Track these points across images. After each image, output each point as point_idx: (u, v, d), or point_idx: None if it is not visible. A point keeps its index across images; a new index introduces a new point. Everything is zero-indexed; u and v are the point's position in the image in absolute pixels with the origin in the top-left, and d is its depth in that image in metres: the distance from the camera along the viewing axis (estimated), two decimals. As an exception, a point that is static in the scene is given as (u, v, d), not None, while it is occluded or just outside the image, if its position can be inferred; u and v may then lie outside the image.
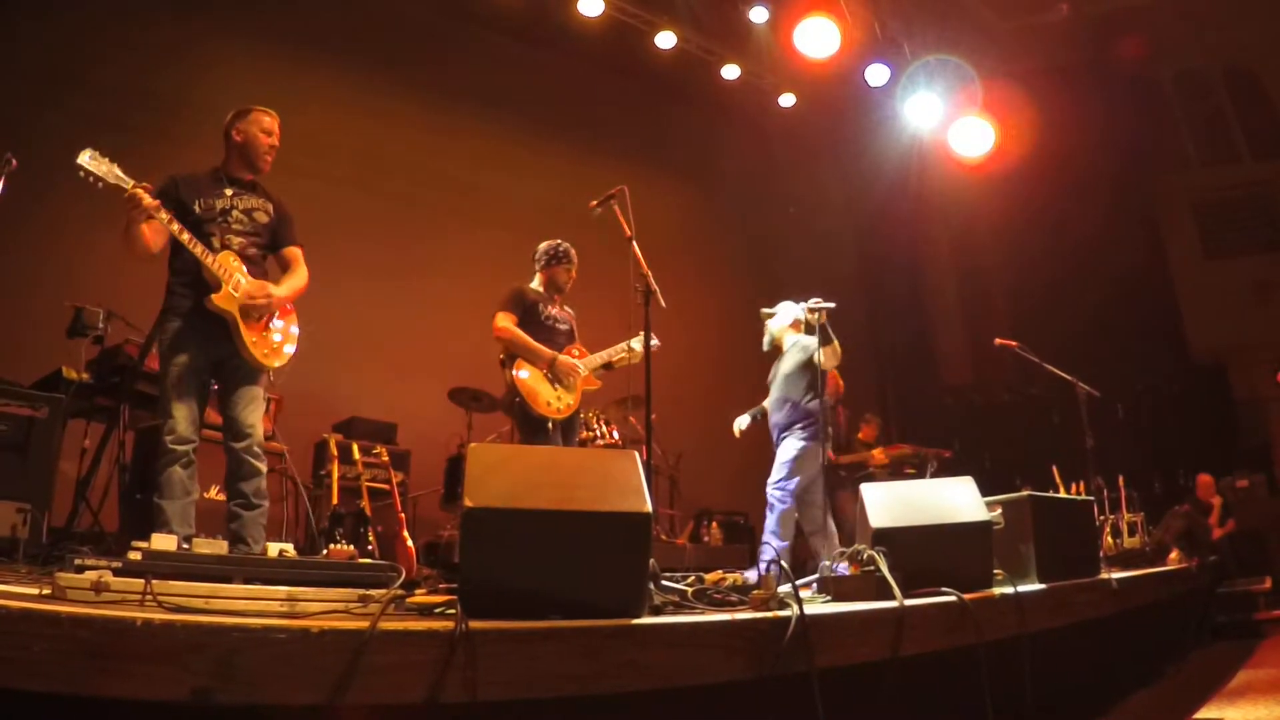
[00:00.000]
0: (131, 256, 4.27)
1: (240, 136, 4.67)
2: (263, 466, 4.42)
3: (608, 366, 6.25)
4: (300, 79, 9.95)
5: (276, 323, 4.58)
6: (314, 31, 10.15)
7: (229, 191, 4.56)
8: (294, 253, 4.75)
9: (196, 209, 4.43)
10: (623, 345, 6.19)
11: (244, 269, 4.43)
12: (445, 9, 11.12)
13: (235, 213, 4.53)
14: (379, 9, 10.72)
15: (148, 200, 4.10)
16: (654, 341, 6.07)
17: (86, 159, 4.06)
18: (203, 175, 4.61)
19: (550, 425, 5.89)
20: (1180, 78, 14.95)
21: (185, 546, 2.68)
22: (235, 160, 4.69)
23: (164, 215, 4.17)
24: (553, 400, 5.87)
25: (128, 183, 4.11)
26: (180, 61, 9.14)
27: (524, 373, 5.86)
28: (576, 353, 6.14)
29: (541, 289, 6.26)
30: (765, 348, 7.53)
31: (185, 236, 4.22)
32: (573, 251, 6.31)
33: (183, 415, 4.24)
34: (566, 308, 6.38)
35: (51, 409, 5.13)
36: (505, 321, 5.95)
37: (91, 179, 4.06)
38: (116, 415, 5.94)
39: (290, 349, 4.62)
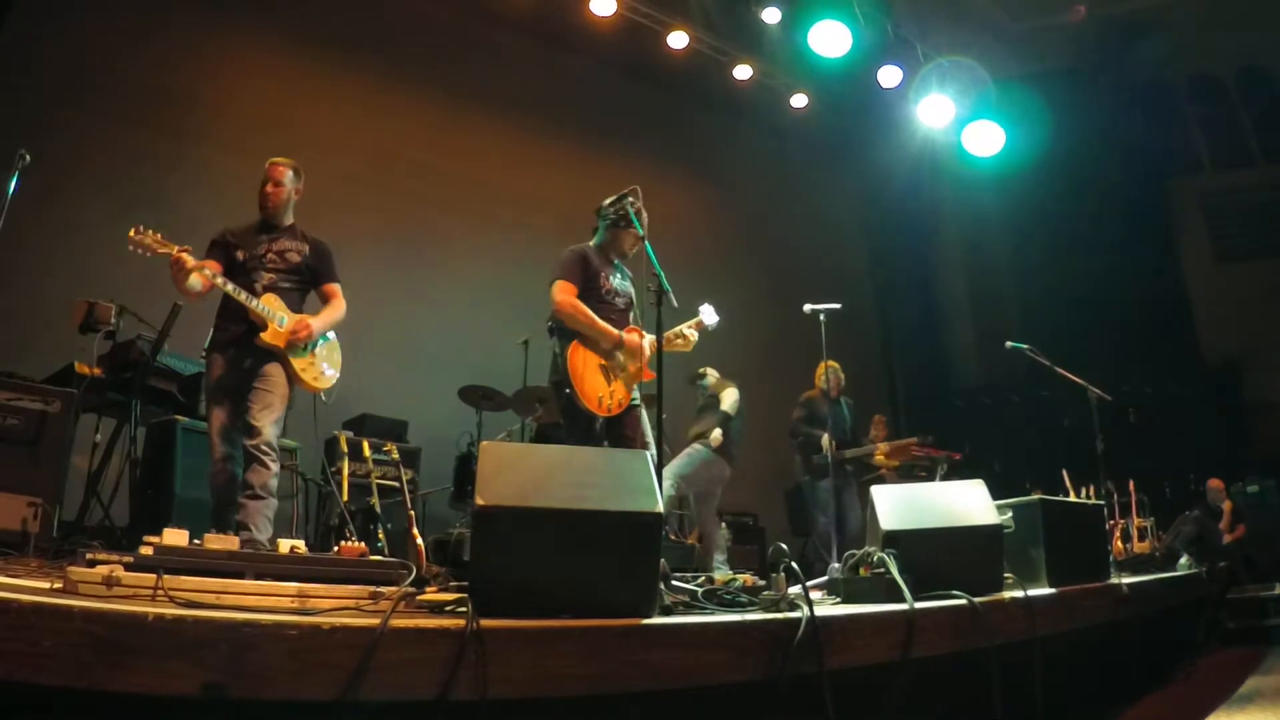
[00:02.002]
0: (187, 299, 5.02)
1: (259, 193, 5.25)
2: (271, 464, 4.74)
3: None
4: (312, 77, 9.99)
5: (320, 350, 5.17)
6: (326, 29, 10.16)
7: (265, 237, 5.14)
8: (332, 289, 5.29)
9: (240, 257, 5.04)
10: (678, 329, 5.52)
11: (284, 306, 4.99)
12: (457, 7, 11.13)
13: (270, 255, 5.08)
14: (392, 7, 10.73)
15: (190, 263, 4.68)
16: (710, 320, 5.87)
17: (133, 234, 4.64)
18: (250, 226, 5.20)
19: (597, 425, 5.11)
20: (1193, 80, 14.92)
21: (197, 542, 2.69)
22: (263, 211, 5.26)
23: (209, 271, 4.79)
24: (604, 396, 5.07)
25: (171, 249, 4.67)
26: (193, 59, 9.16)
27: (577, 359, 5.08)
28: (636, 336, 5.31)
29: (603, 253, 5.43)
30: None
31: (230, 288, 4.82)
32: (645, 215, 5.31)
33: (214, 429, 4.83)
34: (625, 278, 5.54)
35: (64, 404, 5.16)
36: (566, 294, 5.12)
37: (140, 250, 4.64)
38: (128, 410, 5.97)
39: (335, 372, 5.27)
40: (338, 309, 5.26)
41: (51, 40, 8.33)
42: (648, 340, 5.24)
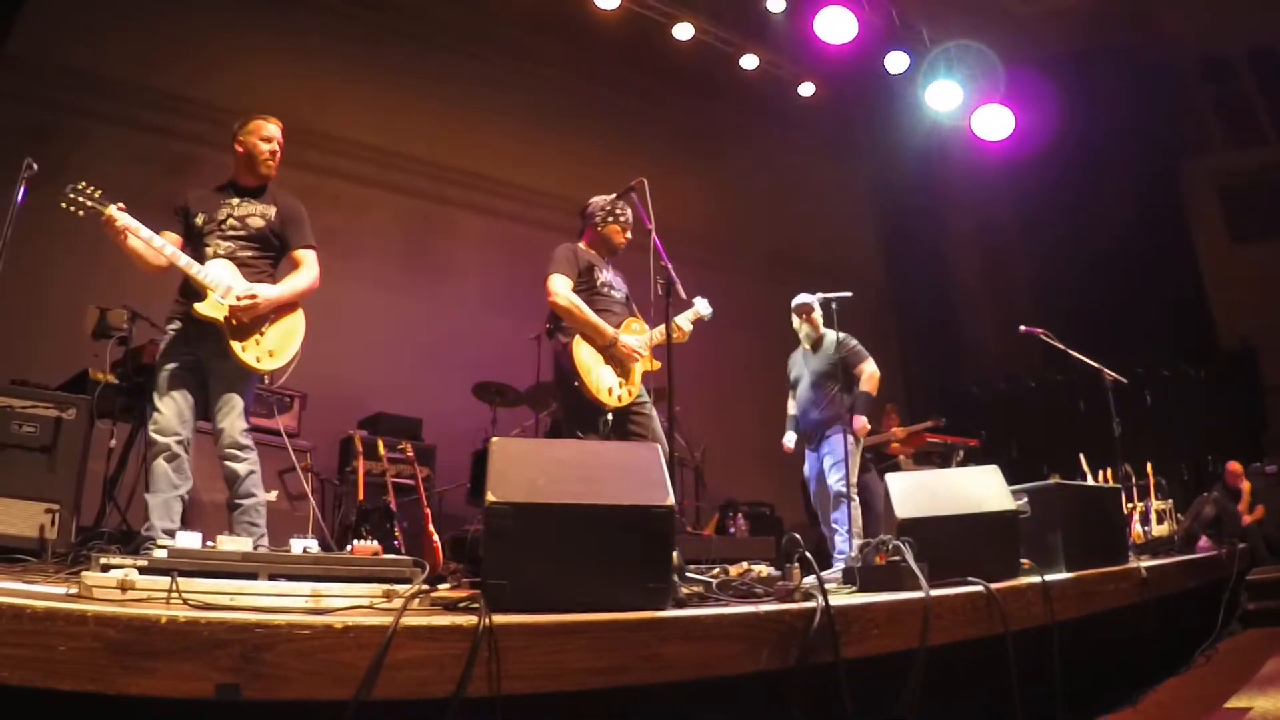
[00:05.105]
0: (143, 271, 4.40)
1: (242, 147, 4.70)
2: (239, 468, 4.34)
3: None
4: (319, 77, 9.99)
5: (275, 326, 4.52)
6: (328, 27, 10.17)
7: (234, 200, 4.61)
8: (300, 255, 4.70)
9: (199, 221, 4.52)
10: (674, 321, 5.26)
11: (238, 274, 4.44)
12: (462, 2, 11.13)
13: (231, 220, 4.54)
14: (397, 5, 10.74)
15: (118, 223, 4.21)
16: (706, 311, 5.85)
17: (68, 190, 4.21)
18: (216, 188, 4.69)
19: (608, 416, 5.08)
20: (1204, 60, 14.79)
21: (210, 544, 2.69)
22: (241, 169, 4.73)
23: (144, 233, 4.26)
24: (615, 386, 5.08)
25: (104, 209, 4.22)
26: (192, 59, 9.18)
27: (584, 351, 5.08)
28: (636, 327, 5.33)
29: (594, 250, 5.46)
30: (808, 344, 7.55)
31: (169, 250, 4.31)
32: (629, 211, 5.41)
33: (168, 408, 4.29)
34: (618, 272, 5.55)
35: (79, 410, 5.18)
36: (564, 288, 5.13)
37: (73, 209, 4.22)
38: (142, 415, 5.98)
39: (290, 351, 4.55)
40: (303, 278, 4.62)
41: (58, 47, 8.36)
42: (644, 339, 5.24)
